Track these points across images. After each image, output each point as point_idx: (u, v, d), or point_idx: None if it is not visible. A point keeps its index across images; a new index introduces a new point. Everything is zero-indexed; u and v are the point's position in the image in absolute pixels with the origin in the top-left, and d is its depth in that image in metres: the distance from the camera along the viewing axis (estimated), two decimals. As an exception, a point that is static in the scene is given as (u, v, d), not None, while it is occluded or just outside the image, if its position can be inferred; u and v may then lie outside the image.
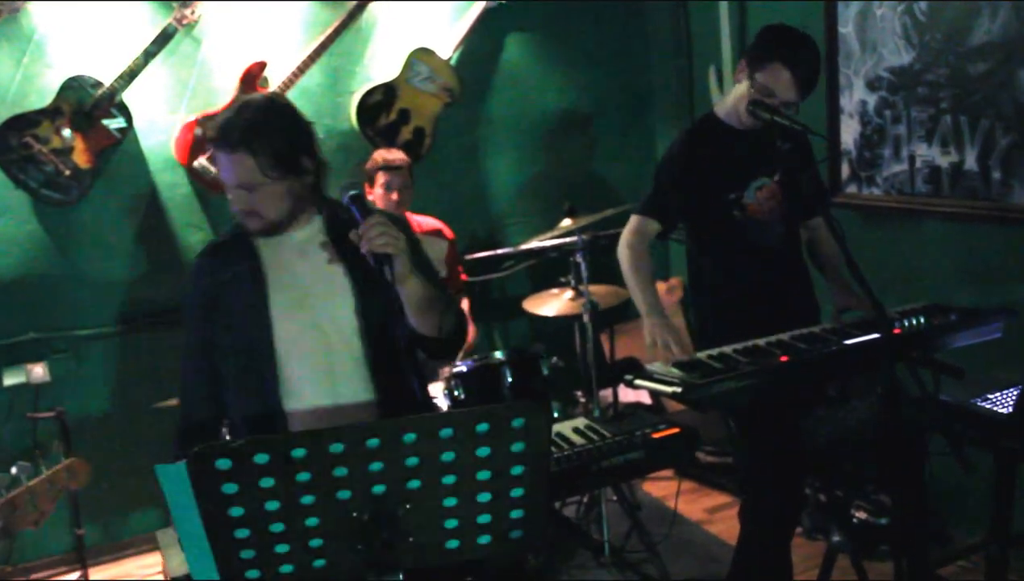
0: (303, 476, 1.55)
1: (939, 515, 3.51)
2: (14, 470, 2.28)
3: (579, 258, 3.83)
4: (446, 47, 4.54)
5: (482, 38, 4.67)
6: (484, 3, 4.57)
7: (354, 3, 4.35)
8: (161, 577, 3.86)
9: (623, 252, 2.89)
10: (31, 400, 3.98)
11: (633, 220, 2.91)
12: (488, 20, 4.61)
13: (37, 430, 3.93)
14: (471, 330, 4.06)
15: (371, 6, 4.41)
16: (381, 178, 3.90)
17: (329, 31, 4.30)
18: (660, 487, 4.32)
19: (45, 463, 2.35)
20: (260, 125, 2.10)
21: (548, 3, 4.80)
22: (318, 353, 2.20)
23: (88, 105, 3.96)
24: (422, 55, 4.49)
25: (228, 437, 2.42)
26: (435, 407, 2.61)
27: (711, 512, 4.12)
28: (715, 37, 4.50)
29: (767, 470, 2.80)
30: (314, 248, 2.25)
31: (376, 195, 3.90)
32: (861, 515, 3.48)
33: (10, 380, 4.01)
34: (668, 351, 2.60)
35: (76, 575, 3.96)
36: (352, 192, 2.13)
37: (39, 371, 4.04)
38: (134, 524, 4.29)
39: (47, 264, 4.12)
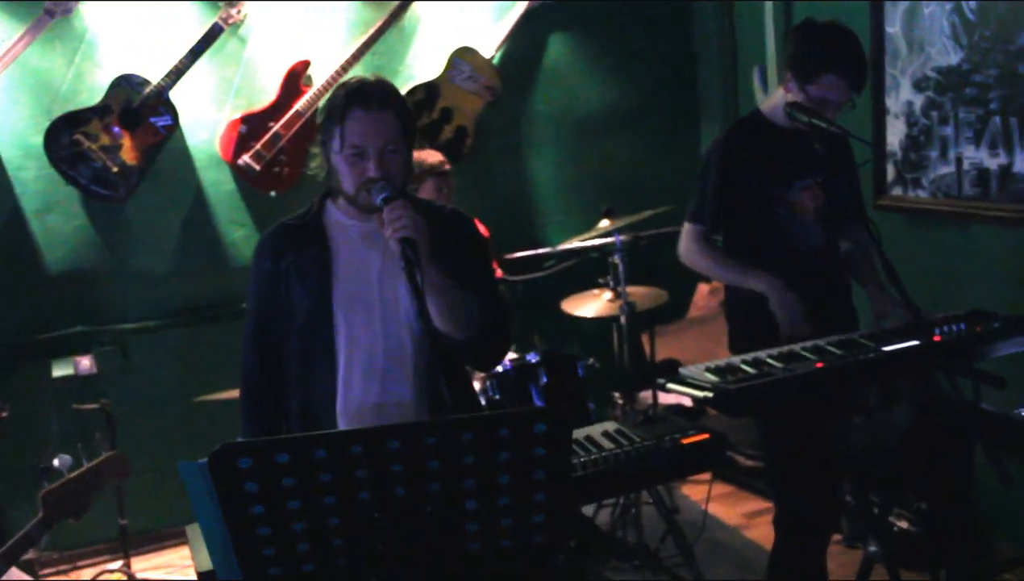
0: (324, 476, 1.56)
1: (982, 525, 3.43)
2: (56, 462, 2.34)
3: (617, 259, 3.81)
4: (489, 46, 4.55)
5: (525, 37, 4.67)
6: (527, 2, 4.56)
7: (398, 2, 4.37)
8: (201, 568, 3.91)
9: (693, 263, 2.87)
10: (78, 392, 4.06)
11: (686, 229, 2.89)
12: (531, 19, 4.61)
13: (83, 421, 4.01)
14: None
15: (415, 5, 4.43)
16: (434, 181, 3.90)
17: (372, 30, 4.33)
18: (698, 490, 4.27)
19: (87, 454, 2.40)
20: (395, 90, 2.17)
21: (592, 2, 4.78)
22: (373, 347, 2.20)
23: (136, 103, 4.03)
24: (465, 54, 4.50)
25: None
26: (480, 408, 2.61)
27: (749, 517, 4.07)
28: (760, 37, 4.45)
29: (801, 477, 2.76)
30: (382, 240, 2.18)
31: (423, 195, 3.89)
32: (902, 524, 3.41)
33: (58, 372, 4.10)
34: (804, 314, 2.57)
35: (119, 564, 4.03)
36: (385, 194, 2.12)
37: (86, 363, 4.13)
38: (176, 515, 4.33)
39: (95, 259, 4.21)
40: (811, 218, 2.86)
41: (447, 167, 3.91)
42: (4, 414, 3.67)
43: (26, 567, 3.73)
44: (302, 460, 1.53)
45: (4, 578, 3.24)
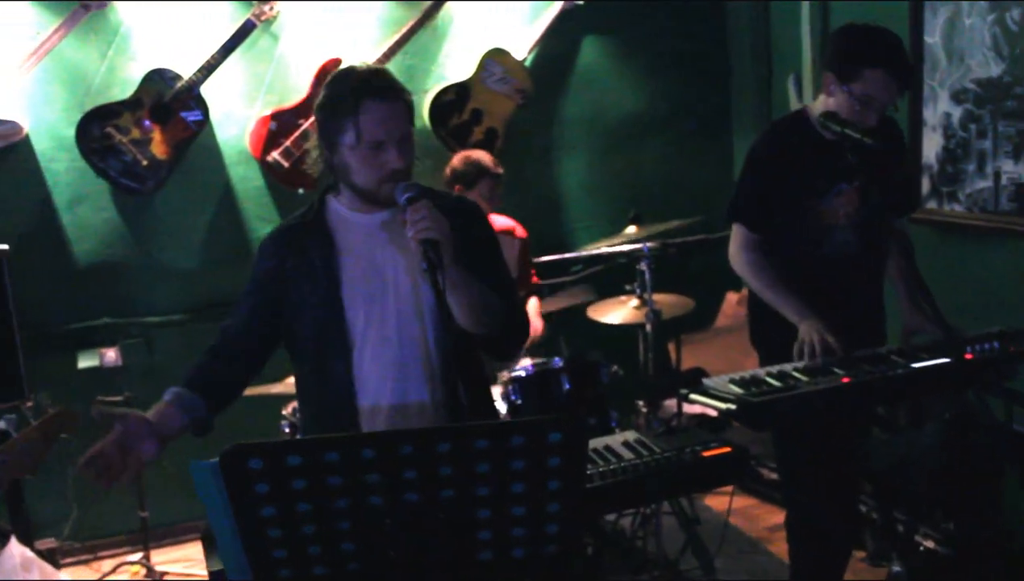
0: (335, 480, 1.54)
1: (1015, 545, 3.36)
2: (1, 423, 2.35)
3: (644, 266, 3.78)
4: (521, 48, 4.53)
5: (558, 39, 4.65)
6: (561, 4, 4.54)
7: (430, 2, 4.37)
8: (219, 564, 3.93)
9: (739, 268, 2.83)
10: (103, 383, 4.09)
11: (734, 230, 2.85)
12: (565, 21, 4.59)
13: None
14: (539, 325, 4.04)
15: (448, 5, 4.42)
16: (489, 183, 3.92)
17: (404, 29, 4.33)
18: (721, 501, 4.22)
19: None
20: (397, 80, 2.15)
21: (626, 4, 4.75)
22: (386, 344, 2.17)
23: (167, 97, 4.06)
24: (497, 55, 4.48)
25: (300, 428, 2.44)
26: (496, 412, 2.59)
27: (772, 531, 4.02)
28: (796, 42, 4.40)
29: (814, 485, 2.72)
30: (391, 234, 2.20)
31: (476, 197, 3.87)
32: (929, 544, 3.35)
33: (84, 363, 4.13)
34: (829, 350, 2.51)
35: (138, 556, 4.06)
36: (409, 194, 2.10)
37: (112, 355, 4.15)
38: (197, 509, 4.33)
39: (123, 251, 4.24)
40: (844, 225, 2.81)
41: (500, 170, 3.93)
42: (30, 404, 3.72)
43: (48, 556, 3.76)
44: (313, 463, 1.52)
45: (24, 565, 3.27)
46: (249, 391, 3.35)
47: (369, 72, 2.13)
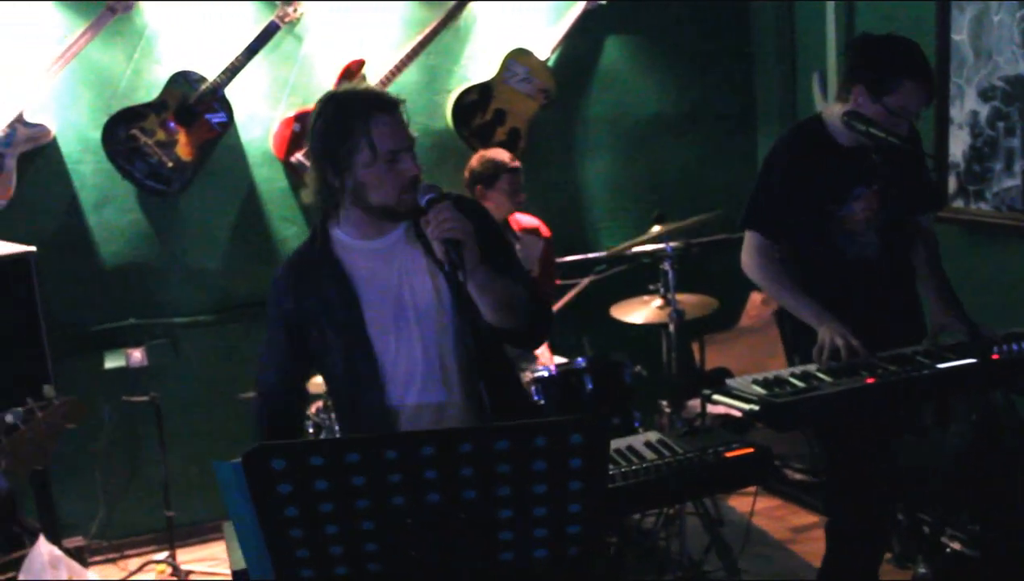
0: (357, 480, 1.55)
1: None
2: (9, 418, 2.37)
3: (667, 266, 3.77)
4: (544, 48, 4.52)
5: (581, 39, 4.64)
6: (584, 4, 4.53)
7: (453, 3, 4.37)
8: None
9: (754, 275, 2.82)
10: (129, 383, 4.13)
11: (746, 237, 2.84)
12: (587, 21, 4.57)
13: (132, 413, 4.08)
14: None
15: (470, 6, 4.42)
16: (508, 179, 3.91)
17: (428, 30, 4.33)
18: (745, 502, 4.19)
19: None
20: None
21: (649, 4, 4.73)
22: (412, 356, 2.20)
23: (192, 100, 4.08)
24: (519, 56, 4.48)
25: (337, 429, 2.47)
26: (535, 406, 2.59)
27: (796, 532, 4.00)
28: (821, 39, 4.36)
29: (851, 492, 2.70)
30: (399, 255, 2.22)
31: (498, 195, 3.90)
32: (955, 546, 3.32)
33: (111, 363, 4.16)
34: (852, 351, 2.50)
35: (164, 554, 4.09)
36: (430, 195, 2.10)
37: (138, 355, 4.18)
38: (222, 509, 4.38)
39: (148, 252, 4.28)
40: (864, 228, 2.79)
41: (518, 164, 3.93)
42: (55, 402, 3.75)
43: (75, 555, 3.80)
44: (336, 463, 1.53)
45: (52, 563, 3.31)
46: (249, 395, 3.38)
47: (367, 90, 2.20)
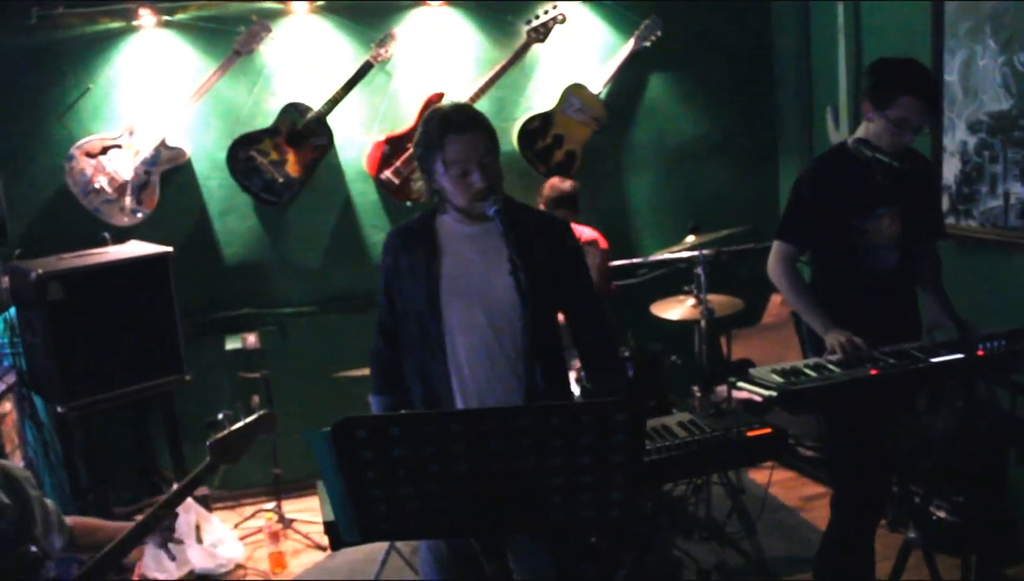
0: (428, 449, 1.53)
1: (1015, 522, 3.18)
2: (220, 416, 2.38)
3: (700, 271, 3.70)
4: (597, 83, 4.47)
5: (629, 76, 4.57)
6: (632, 46, 4.47)
7: (520, 44, 4.34)
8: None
9: (776, 281, 2.74)
10: (244, 362, 4.19)
11: (775, 246, 2.76)
12: (634, 60, 4.51)
13: (247, 387, 4.13)
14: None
15: (534, 47, 4.39)
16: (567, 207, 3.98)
17: (498, 67, 4.31)
18: (763, 474, 4.11)
19: (245, 413, 2.44)
20: (477, 111, 2.17)
21: (687, 46, 4.65)
22: (474, 332, 2.17)
23: (300, 126, 4.12)
24: (576, 89, 4.43)
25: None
26: (571, 395, 2.56)
27: (806, 500, 3.90)
28: (833, 77, 4.24)
29: (854, 467, 2.63)
30: (484, 242, 2.18)
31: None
32: (941, 514, 3.20)
33: (230, 346, 4.24)
34: (857, 349, 2.43)
35: (272, 504, 4.13)
36: (496, 207, 2.09)
37: (252, 339, 4.24)
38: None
39: (262, 253, 4.33)
40: (886, 244, 2.69)
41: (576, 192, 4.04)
42: (187, 378, 3.82)
43: (201, 501, 3.87)
44: (410, 434, 1.51)
45: (185, 508, 3.37)
46: (359, 372, 3.39)
47: (451, 109, 2.14)
